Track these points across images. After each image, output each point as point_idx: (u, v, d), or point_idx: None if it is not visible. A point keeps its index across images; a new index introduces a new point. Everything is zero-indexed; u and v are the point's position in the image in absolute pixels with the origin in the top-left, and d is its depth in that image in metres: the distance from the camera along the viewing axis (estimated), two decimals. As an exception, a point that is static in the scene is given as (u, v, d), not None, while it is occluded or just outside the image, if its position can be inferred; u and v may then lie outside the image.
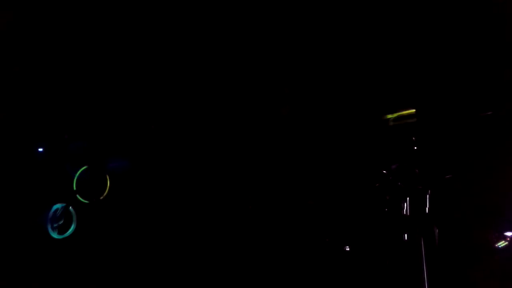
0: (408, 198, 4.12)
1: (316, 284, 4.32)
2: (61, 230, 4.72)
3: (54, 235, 4.59)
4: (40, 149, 5.10)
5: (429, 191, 4.02)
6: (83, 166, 4.74)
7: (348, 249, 4.44)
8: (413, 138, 4.19)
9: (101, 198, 4.83)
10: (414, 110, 4.31)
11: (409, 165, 4.20)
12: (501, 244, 4.85)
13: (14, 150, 5.28)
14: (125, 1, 5.65)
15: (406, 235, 4.13)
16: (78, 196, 4.77)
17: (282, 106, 5.75)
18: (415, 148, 4.19)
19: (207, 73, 5.80)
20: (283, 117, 5.77)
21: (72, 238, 5.06)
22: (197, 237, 5.33)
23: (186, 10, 5.72)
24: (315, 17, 5.77)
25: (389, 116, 4.38)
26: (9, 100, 5.39)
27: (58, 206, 4.59)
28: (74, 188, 4.73)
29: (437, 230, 4.04)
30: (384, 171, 4.39)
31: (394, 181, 4.26)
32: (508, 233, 4.85)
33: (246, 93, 5.83)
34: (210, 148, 5.44)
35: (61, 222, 4.62)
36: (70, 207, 4.60)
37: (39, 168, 5.17)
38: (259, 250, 5.19)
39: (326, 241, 4.89)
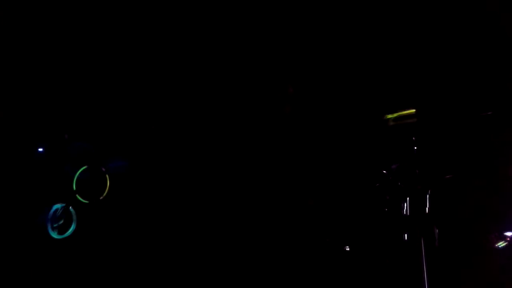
0: (408, 198, 4.12)
1: (316, 284, 4.32)
2: (61, 230, 4.72)
3: (54, 235, 4.59)
4: (40, 149, 5.10)
5: (429, 191, 4.02)
6: (83, 166, 4.74)
7: (348, 249, 4.44)
8: (413, 138, 4.19)
9: (101, 198, 4.82)
10: (414, 110, 4.31)
11: (409, 165, 4.20)
12: (501, 244, 4.84)
13: (14, 150, 5.28)
14: (125, 1, 5.65)
15: (406, 235, 4.13)
16: (78, 196, 4.77)
17: (284, 105, 5.75)
18: (415, 148, 4.19)
19: (209, 72, 5.80)
20: (285, 116, 5.78)
21: (72, 238, 5.07)
22: (197, 237, 5.33)
23: (187, 9, 5.72)
24: (317, 17, 5.77)
25: (389, 116, 4.38)
26: (9, 100, 5.38)
27: (58, 206, 4.59)
28: (74, 188, 4.72)
29: (437, 230, 4.04)
30: (384, 171, 4.39)
31: (394, 181, 4.26)
32: (508, 233, 4.84)
33: (247, 92, 5.83)
34: (211, 148, 5.44)
35: (61, 222, 4.61)
36: (70, 207, 4.60)
37: (39, 168, 5.16)
38: (259, 250, 5.19)
39: (326, 241, 4.89)
